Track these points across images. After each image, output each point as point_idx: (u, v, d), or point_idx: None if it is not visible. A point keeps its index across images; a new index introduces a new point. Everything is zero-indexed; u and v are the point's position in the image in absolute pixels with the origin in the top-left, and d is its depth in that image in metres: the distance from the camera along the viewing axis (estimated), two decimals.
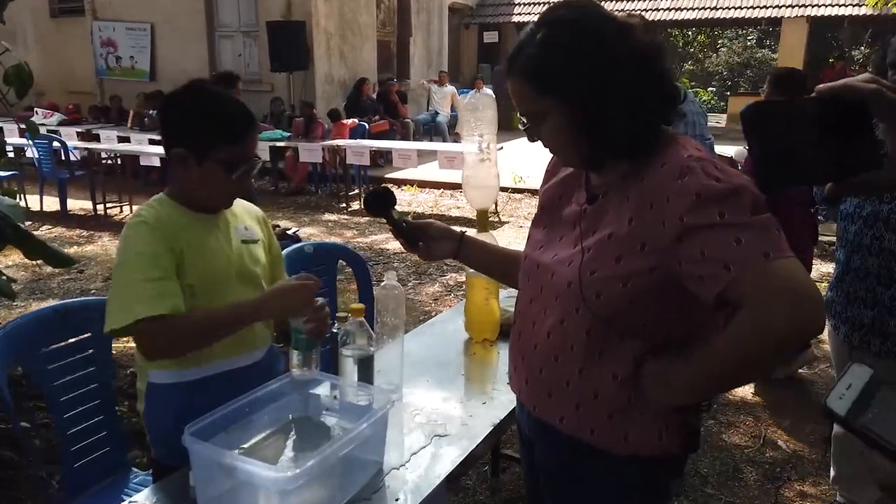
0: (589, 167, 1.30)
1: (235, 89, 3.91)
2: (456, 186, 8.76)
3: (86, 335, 1.91)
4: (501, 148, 4.72)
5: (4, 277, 3.01)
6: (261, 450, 1.43)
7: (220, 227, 1.63)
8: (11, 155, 7.92)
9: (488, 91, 12.80)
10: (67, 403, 1.85)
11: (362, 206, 1.77)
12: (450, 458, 1.57)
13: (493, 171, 2.13)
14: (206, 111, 1.54)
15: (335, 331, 1.75)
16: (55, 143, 7.89)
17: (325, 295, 2.86)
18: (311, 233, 6.84)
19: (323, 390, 1.62)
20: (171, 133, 1.56)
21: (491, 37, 16.10)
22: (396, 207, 1.58)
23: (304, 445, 1.47)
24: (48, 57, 12.75)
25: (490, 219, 7.37)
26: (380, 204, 1.58)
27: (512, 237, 6.67)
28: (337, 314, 1.74)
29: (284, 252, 2.68)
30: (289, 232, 4.38)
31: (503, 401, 1.83)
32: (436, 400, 1.84)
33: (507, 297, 2.32)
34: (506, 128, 4.66)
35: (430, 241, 1.58)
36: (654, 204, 1.14)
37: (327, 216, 7.92)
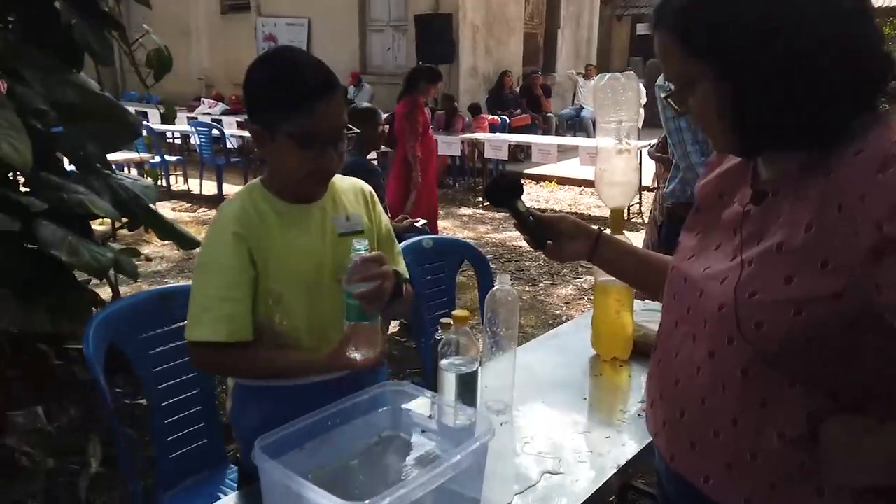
0: (746, 154, 1.00)
1: (376, 121, 3.91)
2: None
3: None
4: (650, 146, 4.31)
5: (141, 257, 3.10)
6: (338, 474, 1.24)
7: (314, 220, 1.45)
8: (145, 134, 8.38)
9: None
10: (165, 391, 1.78)
11: (484, 196, 1.58)
12: (562, 501, 1.31)
13: (632, 163, 1.83)
14: (273, 77, 1.35)
15: (438, 338, 1.54)
16: (214, 132, 8.36)
17: (444, 295, 2.69)
18: (444, 226, 6.73)
19: (419, 406, 1.41)
20: (249, 108, 1.40)
21: (645, 28, 15.30)
22: (523, 199, 1.36)
23: (389, 473, 1.27)
24: (216, 51, 13.69)
25: (630, 219, 6.94)
26: (503, 193, 1.37)
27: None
28: (440, 320, 1.53)
29: (402, 245, 2.53)
30: (417, 224, 4.23)
31: (633, 435, 1.54)
32: (551, 427, 1.58)
33: (643, 310, 2.01)
34: (652, 124, 4.25)
35: (560, 238, 1.34)
36: (842, 206, 0.83)
37: (462, 210, 7.80)
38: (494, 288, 1.58)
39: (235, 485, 1.65)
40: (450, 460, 1.16)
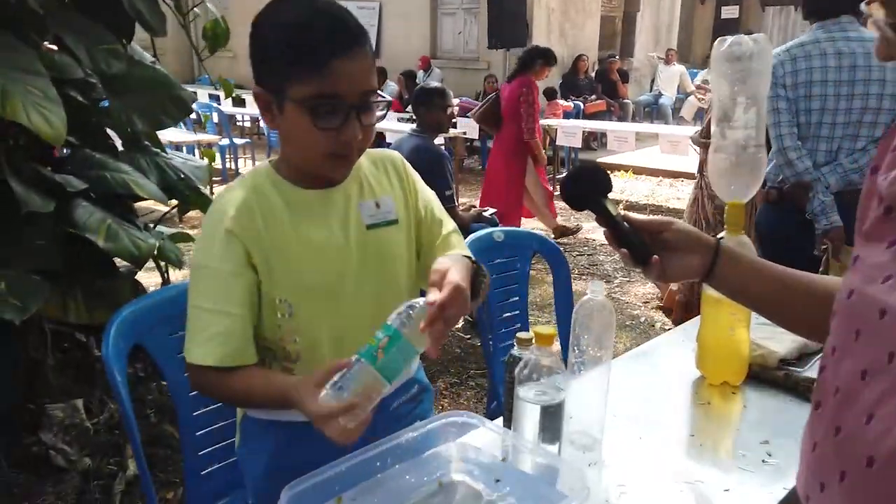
0: None
1: (446, 103, 3.65)
2: (676, 175, 7.84)
3: None
4: (695, 132, 3.89)
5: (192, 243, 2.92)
6: None
7: (335, 210, 1.16)
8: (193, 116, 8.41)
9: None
10: (196, 400, 1.55)
11: (561, 194, 1.33)
12: None
13: (760, 148, 1.48)
14: (281, 25, 1.05)
15: (514, 355, 1.25)
16: None
17: (516, 294, 2.39)
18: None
19: (487, 443, 1.13)
20: (254, 67, 1.10)
21: (730, 12, 14.44)
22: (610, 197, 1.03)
23: None
24: None
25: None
26: (586, 190, 1.04)
27: None
28: (518, 335, 1.24)
29: (471, 238, 2.25)
30: (486, 214, 3.94)
31: (759, 487, 1.21)
32: (652, 474, 1.26)
33: (759, 324, 1.66)
34: None
35: (668, 251, 1.00)
36: None
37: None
38: (585, 297, 1.27)
39: None
40: None
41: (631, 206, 7.20)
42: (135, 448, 1.41)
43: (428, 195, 1.30)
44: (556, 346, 1.30)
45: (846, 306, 0.78)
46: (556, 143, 7.84)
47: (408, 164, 1.29)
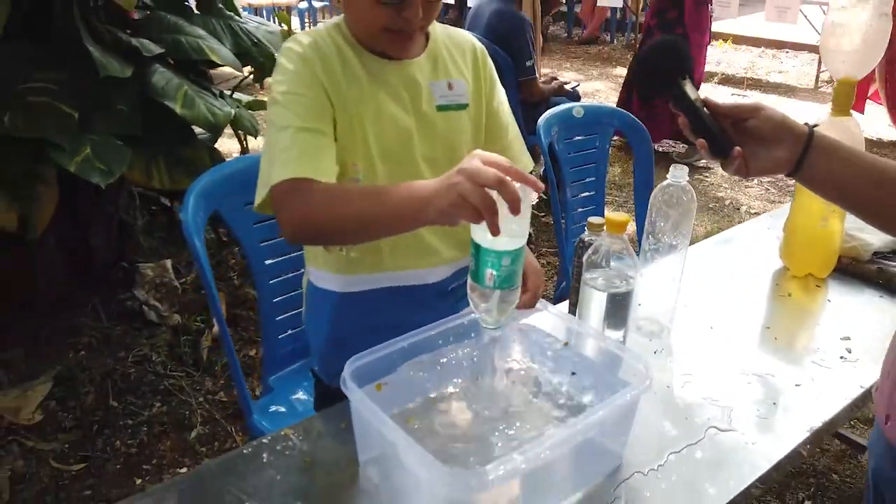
0: None
1: None
2: (781, 45, 7.20)
3: None
4: None
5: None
6: (442, 415, 0.99)
7: (407, 84, 1.08)
8: None
9: None
10: (271, 268, 1.60)
11: (634, 76, 1.18)
12: (729, 471, 0.99)
13: (882, 11, 1.30)
14: None
15: (584, 239, 1.21)
16: None
17: (593, 173, 2.31)
18: (597, 88, 6.12)
19: (551, 327, 1.11)
20: None
21: None
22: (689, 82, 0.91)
23: (508, 419, 1.00)
24: None
25: (819, 88, 5.89)
26: (659, 68, 0.92)
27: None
28: (589, 219, 1.19)
29: (547, 114, 2.14)
30: (568, 87, 3.73)
31: (833, 386, 1.17)
32: (720, 364, 1.23)
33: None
34: None
35: (752, 142, 0.89)
36: None
37: (619, 70, 7.03)
38: (665, 182, 1.19)
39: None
40: (592, 416, 0.87)
41: (727, 79, 6.71)
42: (214, 309, 1.48)
43: (502, 96, 1.22)
44: (631, 227, 1.25)
45: None
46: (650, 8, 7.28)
47: (488, 57, 1.20)
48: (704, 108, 0.90)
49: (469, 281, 0.85)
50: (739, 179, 4.23)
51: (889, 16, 1.32)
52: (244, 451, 1.01)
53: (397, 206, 0.89)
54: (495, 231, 0.77)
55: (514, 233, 0.80)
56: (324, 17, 8.73)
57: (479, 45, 1.20)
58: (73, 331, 2.27)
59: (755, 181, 4.19)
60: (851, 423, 2.21)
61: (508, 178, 0.77)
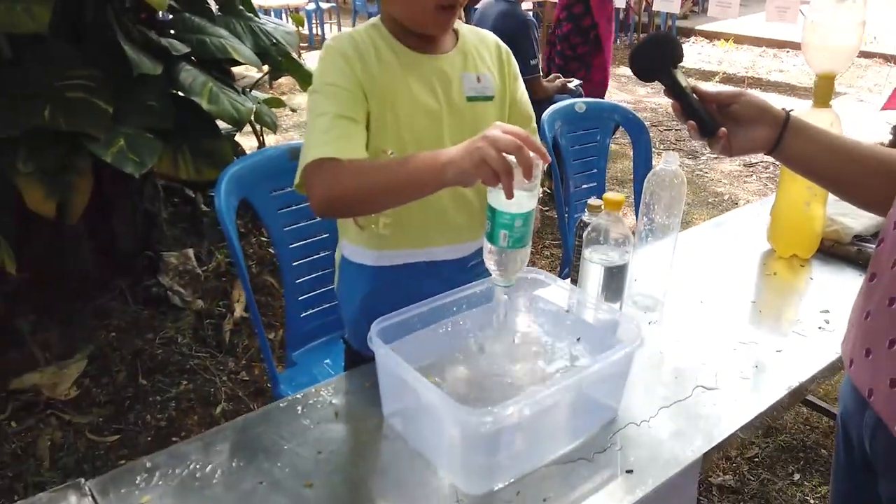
0: None
1: None
2: (782, 45, 7.31)
3: None
4: None
5: (284, 108, 3.05)
6: (457, 369, 1.12)
7: (439, 75, 1.20)
8: None
9: None
10: (295, 252, 1.73)
11: (630, 64, 1.29)
12: (714, 423, 1.11)
13: (856, 17, 1.42)
14: None
15: (584, 220, 1.34)
16: None
17: (594, 166, 2.43)
18: None
19: (555, 297, 1.24)
20: None
21: None
22: (682, 67, 1.03)
23: (517, 372, 1.13)
24: None
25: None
26: (655, 59, 1.04)
27: (845, 116, 5.34)
28: (588, 200, 1.31)
29: (551, 109, 2.26)
30: (571, 85, 3.85)
31: (810, 352, 1.29)
32: (708, 333, 1.36)
33: (838, 201, 1.66)
34: None
35: (735, 124, 1.01)
36: None
37: (622, 70, 7.14)
38: (658, 166, 1.32)
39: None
40: (589, 369, 1.00)
41: (728, 79, 6.83)
42: (245, 287, 1.60)
43: (523, 90, 1.34)
44: (631, 219, 1.37)
45: None
46: (653, 7, 7.38)
47: (511, 55, 1.33)
48: (694, 95, 1.02)
49: (485, 242, 0.98)
50: (738, 175, 4.35)
51: (864, 21, 1.44)
52: (281, 405, 1.14)
53: (419, 169, 1.00)
54: (510, 193, 0.88)
55: (525, 197, 0.92)
56: (330, 18, 8.87)
57: (503, 44, 1.32)
58: (103, 314, 2.41)
59: (753, 176, 4.31)
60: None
61: (525, 146, 0.89)
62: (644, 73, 1.06)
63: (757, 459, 2.14)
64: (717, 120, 1.01)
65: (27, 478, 1.89)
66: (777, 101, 5.75)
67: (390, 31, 1.19)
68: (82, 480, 0.97)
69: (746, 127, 1.01)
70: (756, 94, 1.05)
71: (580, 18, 4.06)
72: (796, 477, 2.07)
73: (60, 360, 2.22)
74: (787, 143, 1.00)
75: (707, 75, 7.05)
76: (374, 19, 1.23)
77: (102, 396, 2.17)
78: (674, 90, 1.02)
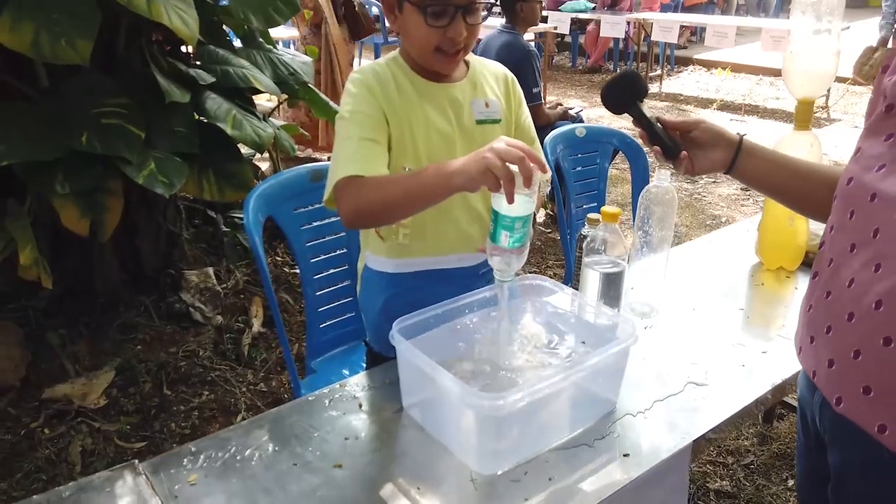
0: None
1: None
2: (777, 73, 7.49)
3: None
4: (848, 27, 3.74)
5: (299, 133, 3.20)
6: (466, 362, 1.24)
7: (451, 102, 1.35)
8: None
9: None
10: (317, 266, 1.86)
11: (602, 99, 1.41)
12: (703, 415, 1.23)
13: (831, 47, 1.56)
14: None
15: (583, 233, 1.46)
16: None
17: (594, 188, 2.56)
18: (599, 115, 6.40)
19: (559, 302, 1.36)
20: None
21: None
22: (646, 102, 1.18)
23: (524, 367, 1.25)
24: None
25: (815, 114, 6.17)
26: (623, 96, 1.17)
27: (839, 140, 5.50)
28: (588, 215, 1.44)
29: (553, 134, 2.40)
30: (572, 112, 4.02)
31: (792, 353, 1.40)
32: (700, 336, 1.48)
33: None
34: (857, 4, 3.64)
35: (695, 148, 1.16)
36: None
37: None
38: (651, 184, 1.45)
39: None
40: (589, 361, 1.11)
41: (726, 106, 7.01)
42: (270, 298, 1.73)
43: (525, 111, 1.49)
44: (630, 238, 1.51)
45: (845, 191, 0.94)
46: (652, 38, 7.59)
47: (517, 83, 1.48)
48: (658, 123, 1.17)
49: (488, 241, 1.10)
50: (735, 198, 4.49)
51: (839, 51, 1.58)
52: (310, 398, 1.26)
53: (432, 177, 1.13)
54: (511, 198, 1.01)
55: (525, 202, 1.04)
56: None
57: (509, 73, 1.47)
58: (129, 328, 2.53)
59: (750, 199, 4.45)
60: None
61: (526, 157, 1.02)
62: (614, 106, 1.19)
63: (752, 466, 2.23)
64: (679, 145, 1.16)
65: (60, 481, 2.00)
66: (774, 128, 5.93)
67: (408, 64, 1.34)
68: (136, 461, 1.09)
69: (705, 150, 1.16)
70: (716, 121, 1.20)
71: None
72: (790, 483, 2.16)
73: (90, 371, 2.34)
74: (741, 162, 1.15)
75: (705, 103, 7.23)
76: (393, 53, 1.38)
77: (130, 406, 2.29)
78: (640, 121, 1.17)
